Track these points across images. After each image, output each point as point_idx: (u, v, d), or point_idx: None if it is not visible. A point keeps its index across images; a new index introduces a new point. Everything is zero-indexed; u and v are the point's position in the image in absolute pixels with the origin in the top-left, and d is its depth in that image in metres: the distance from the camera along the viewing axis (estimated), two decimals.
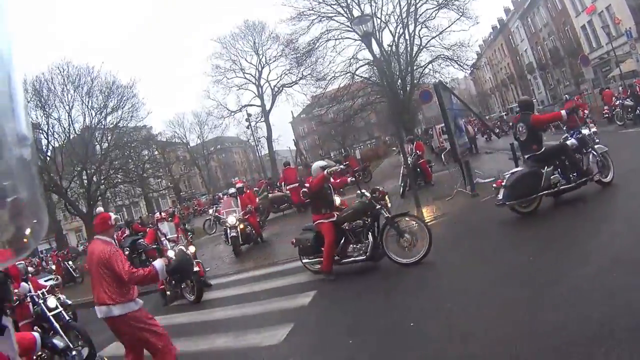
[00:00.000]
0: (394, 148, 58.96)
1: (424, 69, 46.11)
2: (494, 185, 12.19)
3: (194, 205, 69.25)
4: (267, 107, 68.51)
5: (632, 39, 40.67)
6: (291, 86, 59.65)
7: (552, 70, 75.54)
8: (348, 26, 40.86)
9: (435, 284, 9.16)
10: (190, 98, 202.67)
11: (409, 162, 19.71)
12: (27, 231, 1.66)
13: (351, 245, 11.42)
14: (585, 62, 37.81)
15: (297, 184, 28.79)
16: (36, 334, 5.22)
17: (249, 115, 65.80)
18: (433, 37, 44.31)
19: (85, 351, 5.33)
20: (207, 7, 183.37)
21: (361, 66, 44.18)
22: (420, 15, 43.57)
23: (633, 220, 8.94)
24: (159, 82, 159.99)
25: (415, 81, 45.13)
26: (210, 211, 34.01)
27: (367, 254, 11.07)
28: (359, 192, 11.55)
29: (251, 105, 69.22)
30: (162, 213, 19.23)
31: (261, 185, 37.25)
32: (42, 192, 1.77)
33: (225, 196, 26.30)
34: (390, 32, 44.79)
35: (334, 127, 62.52)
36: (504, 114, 64.87)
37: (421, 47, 44.71)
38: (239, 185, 22.55)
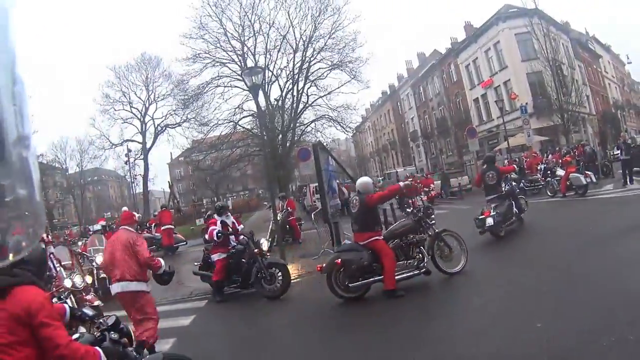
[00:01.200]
0: (266, 202, 59.34)
1: (306, 127, 46.71)
2: (482, 215, 16.35)
3: (65, 234, 66.92)
4: (148, 145, 68.25)
5: (527, 114, 42.91)
6: (174, 127, 59.64)
7: (437, 140, 78.18)
8: (239, 75, 41.27)
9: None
10: (79, 122, 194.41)
11: (278, 218, 21.00)
12: (25, 230, 1.77)
13: (400, 262, 11.85)
14: (472, 134, 39.26)
15: (172, 226, 29.26)
16: (66, 305, 5.68)
17: (129, 150, 65.02)
18: (321, 97, 45.26)
19: (112, 319, 5.21)
20: (115, 30, 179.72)
21: (245, 116, 44.03)
22: (312, 73, 44.48)
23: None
24: (50, 103, 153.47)
25: (296, 138, 45.56)
26: (80, 243, 33.19)
27: (424, 268, 11.82)
28: (408, 210, 12.90)
29: (133, 140, 68.79)
30: (48, 235, 15.59)
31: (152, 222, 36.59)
32: (40, 191, 1.88)
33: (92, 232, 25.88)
34: (280, 86, 45.37)
35: (210, 175, 62.19)
36: (381, 178, 66.56)
37: (307, 105, 45.43)
38: (102, 223, 22.12)
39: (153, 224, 33.58)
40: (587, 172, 27.22)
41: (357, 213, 11.93)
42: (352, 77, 43.78)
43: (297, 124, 45.77)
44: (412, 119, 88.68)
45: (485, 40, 62.31)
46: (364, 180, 12.73)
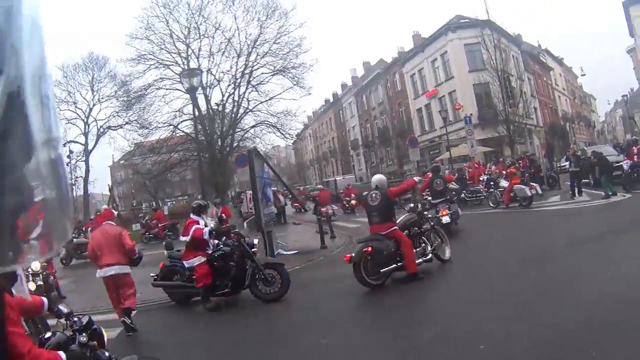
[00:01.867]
0: None
1: (245, 132, 46.15)
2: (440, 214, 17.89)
3: None
4: (90, 147, 66.03)
5: (471, 125, 42.55)
6: (116, 129, 57.95)
7: (377, 149, 78.48)
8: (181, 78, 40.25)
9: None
10: None
11: (212, 225, 19.77)
12: (54, 230, 1.75)
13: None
14: (414, 143, 39.26)
15: None
16: (44, 298, 5.51)
17: (71, 152, 63.21)
18: (262, 102, 45.04)
19: (85, 318, 5.24)
20: (65, 27, 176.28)
21: (185, 120, 43.30)
22: (254, 78, 44.02)
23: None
24: None
25: (235, 143, 45.10)
26: None
27: (429, 255, 13.57)
28: (412, 205, 15.32)
29: (75, 142, 66.10)
30: None
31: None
32: (70, 192, 2.03)
33: None
34: (221, 90, 44.87)
35: (149, 179, 61.22)
36: (320, 186, 66.31)
37: (247, 110, 45.08)
38: None
39: (89, 228, 32.41)
40: (532, 183, 27.03)
41: (379, 206, 13.00)
42: (295, 83, 43.66)
43: (237, 130, 45.39)
44: (353, 128, 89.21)
45: (432, 50, 62.80)
46: (380, 177, 14.26)
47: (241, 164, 22.45)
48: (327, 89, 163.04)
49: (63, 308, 5.32)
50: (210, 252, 13.51)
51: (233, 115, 44.59)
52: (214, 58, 43.60)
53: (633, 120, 66.47)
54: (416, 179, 15.26)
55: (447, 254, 14.40)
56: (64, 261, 26.82)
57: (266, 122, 45.00)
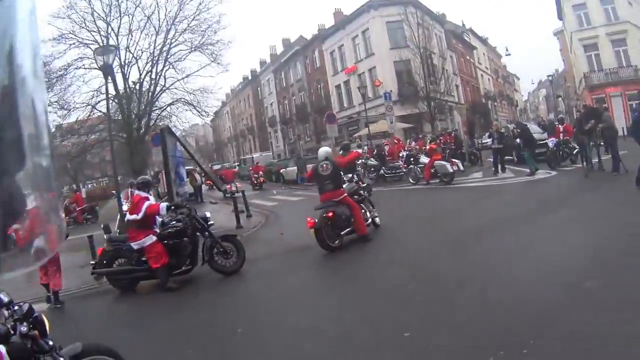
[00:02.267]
0: (114, 192, 57.49)
1: (161, 111, 44.61)
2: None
3: None
4: None
5: (391, 101, 41.93)
6: None
7: (295, 126, 77.91)
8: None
9: None
10: None
11: (126, 206, 18.47)
12: (47, 238, 1.75)
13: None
14: (332, 119, 38.74)
15: None
16: None
17: None
18: (178, 80, 43.32)
19: (25, 306, 4.78)
20: None
21: (102, 100, 41.90)
22: (172, 55, 42.39)
23: None
24: None
25: (152, 123, 43.54)
26: None
27: (370, 219, 15.10)
28: (350, 175, 16.06)
29: None
30: None
31: None
32: (61, 201, 2.03)
33: None
34: (139, 68, 42.89)
35: (68, 161, 59.43)
36: (236, 164, 65.89)
37: (164, 88, 43.10)
38: None
39: None
40: (453, 159, 26.47)
41: (330, 175, 13.98)
42: (213, 60, 41.97)
43: (154, 108, 43.50)
44: (271, 105, 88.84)
45: (354, 27, 62.36)
46: (326, 149, 15.28)
47: (157, 143, 21.88)
48: (246, 67, 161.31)
49: (3, 297, 4.92)
50: (157, 230, 12.74)
51: (150, 93, 42.80)
52: (132, 36, 41.92)
53: (560, 97, 67.20)
54: (359, 150, 17.25)
55: (378, 220, 15.56)
56: None
57: (183, 100, 43.15)
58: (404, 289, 8.87)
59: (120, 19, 41.16)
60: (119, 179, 54.21)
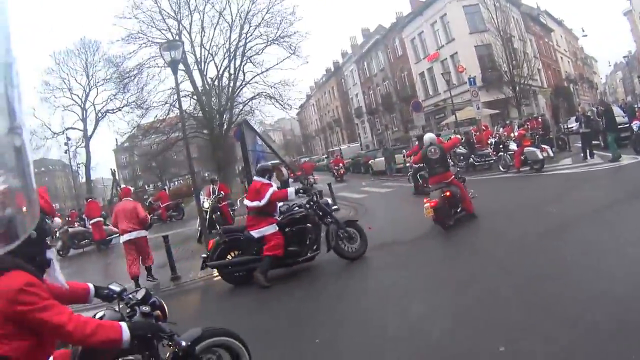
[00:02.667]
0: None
1: (243, 106, 45.08)
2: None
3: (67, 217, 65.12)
4: (89, 132, 65.25)
5: (475, 86, 41.44)
6: (114, 112, 56.80)
7: (382, 116, 77.88)
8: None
9: None
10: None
11: (207, 204, 21.22)
12: (20, 219, 1.79)
13: None
14: (417, 107, 38.60)
15: (100, 218, 27.23)
16: (90, 284, 5.19)
17: (68, 139, 62.48)
18: (258, 74, 44.07)
19: (141, 292, 5.04)
20: (52, 14, 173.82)
21: (182, 97, 42.53)
22: (249, 49, 43.01)
23: None
24: None
25: (234, 118, 43.90)
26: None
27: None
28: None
29: (74, 128, 65.52)
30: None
31: (73, 216, 35.07)
32: (34, 180, 1.88)
33: None
34: (215, 65, 43.65)
35: (152, 159, 60.42)
36: (324, 157, 65.87)
37: (244, 83, 44.10)
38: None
39: (76, 217, 31.85)
40: (543, 145, 25.97)
41: (439, 159, 15.17)
42: (292, 52, 42.41)
43: (235, 103, 44.24)
44: (356, 96, 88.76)
45: (431, 13, 61.84)
46: (431, 135, 16.78)
47: (238, 138, 21.42)
48: (328, 59, 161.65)
49: (114, 287, 5.15)
50: (277, 218, 12.63)
51: (230, 88, 43.51)
52: (205, 32, 42.39)
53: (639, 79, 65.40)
54: (458, 136, 19.57)
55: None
56: (60, 252, 25.60)
57: (264, 94, 43.75)
58: (502, 286, 8.47)
59: (191, 17, 41.91)
60: (205, 175, 55.39)
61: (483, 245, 12.36)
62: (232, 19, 42.47)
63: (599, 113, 25.90)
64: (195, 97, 37.98)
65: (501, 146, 28.12)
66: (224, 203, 22.65)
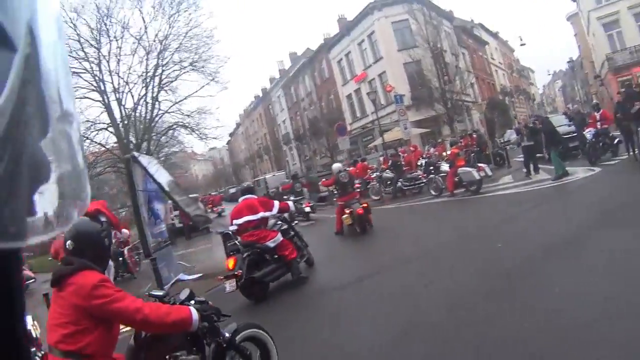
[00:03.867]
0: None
1: (161, 137, 41.91)
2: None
3: None
4: None
5: (402, 105, 38.18)
6: None
7: (309, 142, 74.49)
8: (93, 85, 36.26)
9: None
10: None
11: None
12: (70, 206, 1.53)
13: None
14: (342, 131, 36.61)
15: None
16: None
17: None
18: (175, 103, 38.85)
19: (184, 293, 5.41)
20: None
21: (100, 130, 39.38)
22: (167, 76, 39.78)
23: None
24: None
25: (153, 149, 40.79)
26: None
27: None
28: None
29: None
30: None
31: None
32: (86, 169, 1.67)
33: None
34: (132, 95, 40.17)
35: None
36: (249, 184, 63.97)
37: (161, 112, 39.89)
38: None
39: None
40: (480, 164, 22.66)
41: (348, 182, 18.80)
42: (211, 78, 39.17)
43: (153, 134, 40.67)
44: (283, 122, 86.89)
45: (359, 32, 59.47)
46: (337, 165, 20.04)
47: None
48: (257, 86, 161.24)
49: (156, 292, 5.49)
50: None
51: (147, 119, 40.15)
52: (122, 61, 39.27)
53: (598, 77, 63.32)
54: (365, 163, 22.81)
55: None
56: None
57: (179, 123, 40.54)
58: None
59: (110, 44, 38.57)
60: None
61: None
62: (149, 45, 39.43)
63: (535, 129, 22.76)
64: (110, 129, 34.48)
65: (431, 168, 24.96)
66: (125, 247, 20.45)
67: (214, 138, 51.13)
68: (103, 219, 7.23)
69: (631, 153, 19.62)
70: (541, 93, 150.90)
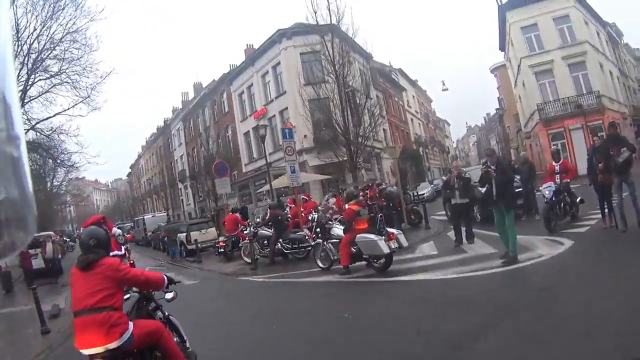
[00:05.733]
0: None
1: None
2: None
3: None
4: None
5: (291, 140, 28.13)
6: None
7: (204, 181, 65.31)
8: None
9: None
10: None
11: None
12: (15, 232, 1.64)
13: None
14: (221, 171, 29.44)
15: None
16: (164, 274, 7.49)
17: None
18: (42, 120, 35.91)
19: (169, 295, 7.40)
20: None
21: None
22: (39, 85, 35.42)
23: None
24: None
25: None
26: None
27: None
28: None
29: None
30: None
31: None
32: (32, 192, 1.76)
33: None
34: None
35: None
36: (130, 224, 64.00)
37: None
38: None
39: None
40: (391, 231, 14.21)
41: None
42: (87, 95, 34.56)
43: None
44: (181, 157, 79.03)
45: (264, 62, 52.25)
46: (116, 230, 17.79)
47: None
48: (164, 115, 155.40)
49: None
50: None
51: None
52: None
53: (523, 131, 59.26)
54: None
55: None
56: None
57: (34, 142, 36.48)
58: None
59: None
60: None
61: None
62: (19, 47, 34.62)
63: (489, 177, 14.81)
64: None
65: (318, 228, 17.07)
66: None
67: (69, 166, 45.23)
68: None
69: (607, 217, 14.16)
70: (454, 147, 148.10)
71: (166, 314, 7.44)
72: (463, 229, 16.53)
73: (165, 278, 6.85)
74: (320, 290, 13.73)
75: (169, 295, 7.11)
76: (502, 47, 58.54)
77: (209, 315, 12.47)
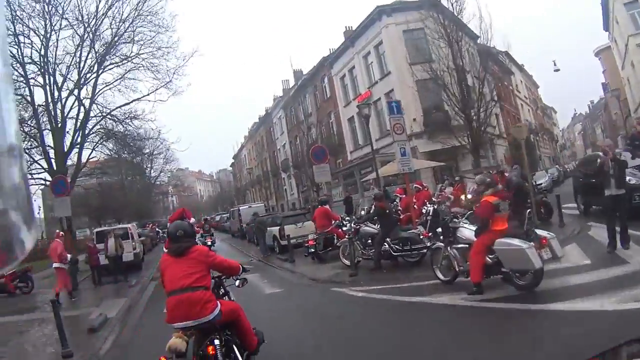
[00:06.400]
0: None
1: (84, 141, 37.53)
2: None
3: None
4: None
5: (401, 116, 23.60)
6: None
7: (308, 170, 62.48)
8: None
9: None
10: None
11: None
12: (14, 243, 1.65)
13: None
14: (319, 156, 25.15)
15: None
16: (241, 263, 8.59)
17: None
18: (120, 107, 37.48)
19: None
20: None
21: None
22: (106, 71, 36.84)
23: None
24: None
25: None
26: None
27: None
28: None
29: None
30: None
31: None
32: (32, 203, 1.82)
33: None
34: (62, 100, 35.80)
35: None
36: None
37: (89, 117, 36.88)
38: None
39: None
40: (541, 233, 10.45)
41: None
42: (169, 80, 36.64)
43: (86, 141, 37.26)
44: (283, 146, 76.15)
45: (364, 42, 48.57)
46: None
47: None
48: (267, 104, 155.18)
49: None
50: None
51: (80, 123, 35.87)
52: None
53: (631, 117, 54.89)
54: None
55: None
56: None
57: (103, 130, 37.83)
58: None
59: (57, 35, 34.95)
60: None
61: None
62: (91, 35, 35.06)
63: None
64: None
65: (441, 225, 12.56)
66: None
67: (234, 161, 44.09)
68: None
69: None
70: (561, 136, 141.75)
71: (233, 298, 8.20)
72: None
73: (241, 267, 7.89)
74: (440, 321, 9.78)
75: (237, 282, 8.01)
76: (606, 27, 53.87)
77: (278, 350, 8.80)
